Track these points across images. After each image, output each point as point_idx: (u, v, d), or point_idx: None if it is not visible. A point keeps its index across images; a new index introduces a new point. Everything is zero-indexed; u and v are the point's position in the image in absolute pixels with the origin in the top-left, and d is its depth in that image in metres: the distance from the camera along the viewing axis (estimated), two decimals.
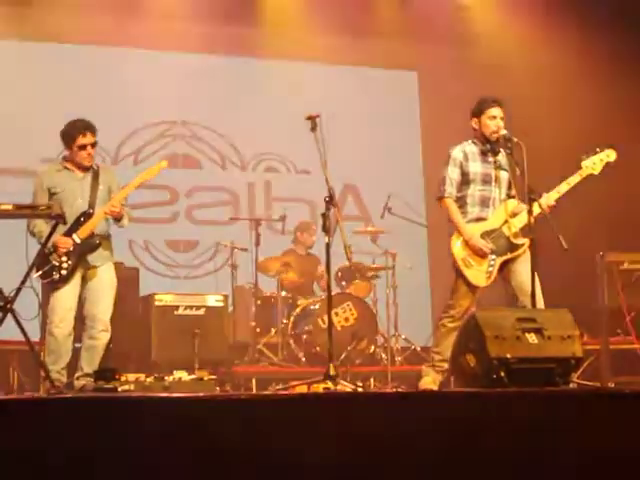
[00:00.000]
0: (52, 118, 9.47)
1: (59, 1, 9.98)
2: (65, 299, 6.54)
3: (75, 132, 6.65)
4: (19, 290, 5.64)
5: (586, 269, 8.36)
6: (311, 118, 6.00)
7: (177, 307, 8.43)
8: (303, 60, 11.20)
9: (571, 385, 5.41)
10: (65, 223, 6.11)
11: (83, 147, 6.65)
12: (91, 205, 6.65)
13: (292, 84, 11.02)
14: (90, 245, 6.58)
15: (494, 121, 6.47)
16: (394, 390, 7.13)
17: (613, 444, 4.04)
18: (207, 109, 10.88)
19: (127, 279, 7.97)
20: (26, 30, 10.18)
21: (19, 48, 10.22)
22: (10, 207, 5.66)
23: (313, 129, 5.96)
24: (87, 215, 6.60)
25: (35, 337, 7.19)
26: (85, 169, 6.74)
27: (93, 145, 6.70)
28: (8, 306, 5.58)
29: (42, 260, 6.44)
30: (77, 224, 6.57)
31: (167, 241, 10.72)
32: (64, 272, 6.50)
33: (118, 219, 6.68)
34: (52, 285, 6.53)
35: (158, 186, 9.90)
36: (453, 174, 6.51)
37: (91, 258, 6.62)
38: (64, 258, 6.50)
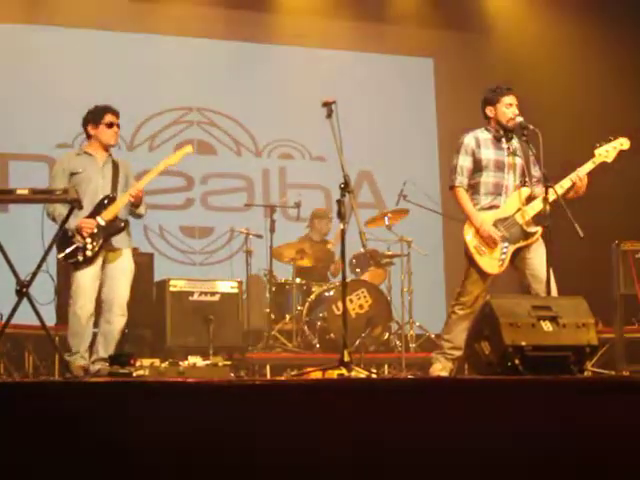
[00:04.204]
0: (67, 104, 9.57)
1: None
2: (89, 281, 6.58)
3: (103, 110, 6.78)
4: (35, 274, 5.65)
5: (601, 257, 8.33)
6: (327, 104, 5.96)
7: (192, 293, 8.45)
8: (319, 46, 11.20)
9: (586, 373, 5.40)
10: (81, 208, 6.12)
11: (111, 125, 6.76)
12: (113, 189, 6.70)
13: (307, 70, 11.02)
14: (116, 227, 6.63)
15: (511, 109, 6.45)
16: (408, 377, 7.14)
17: (628, 432, 4.03)
18: (222, 95, 10.89)
19: (142, 265, 7.98)
20: (42, 15, 10.21)
21: (35, 33, 10.24)
22: (26, 192, 5.65)
23: (329, 115, 5.93)
24: (110, 199, 6.65)
25: (51, 322, 7.22)
26: (107, 150, 6.80)
27: (118, 126, 6.81)
28: (24, 290, 5.59)
29: (65, 242, 6.50)
30: (100, 207, 6.62)
31: (182, 227, 10.74)
32: (89, 253, 6.53)
33: (137, 205, 6.71)
34: (76, 266, 6.55)
35: (173, 172, 9.91)
36: (464, 162, 6.48)
37: (114, 240, 6.66)
38: (88, 239, 6.53)
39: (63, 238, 6.45)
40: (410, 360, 8.48)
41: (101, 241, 6.56)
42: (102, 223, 6.58)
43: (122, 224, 6.67)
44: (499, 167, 6.46)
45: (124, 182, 6.80)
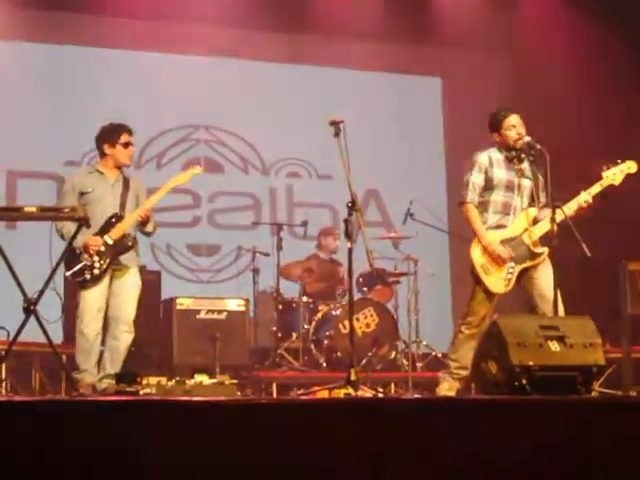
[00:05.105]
0: (75, 121, 9.62)
1: (86, 5, 10.04)
2: (95, 299, 6.57)
3: (121, 129, 6.79)
4: (42, 292, 5.66)
5: (608, 277, 8.32)
6: (335, 123, 5.96)
7: (198, 311, 8.44)
8: (326, 65, 11.22)
9: (593, 393, 5.39)
10: (89, 226, 6.13)
11: (127, 145, 6.78)
12: (122, 208, 6.70)
13: (314, 89, 11.05)
14: (123, 246, 6.63)
15: (514, 129, 6.46)
16: (415, 396, 7.12)
17: (635, 452, 4.02)
18: (229, 113, 10.90)
19: (149, 283, 7.98)
20: (50, 33, 10.26)
21: (42, 51, 10.29)
22: (34, 209, 5.68)
23: (336, 134, 5.93)
24: (118, 217, 6.65)
25: (58, 339, 7.23)
26: (120, 168, 6.81)
27: (133, 145, 6.85)
28: (31, 308, 5.60)
29: (72, 260, 6.50)
30: (108, 225, 6.62)
31: (189, 245, 10.75)
32: (96, 272, 6.53)
33: (145, 224, 6.72)
34: (83, 285, 6.55)
35: (181, 190, 9.88)
36: (477, 179, 6.49)
37: (122, 258, 6.66)
38: (96, 258, 6.53)
39: (71, 256, 6.46)
40: (417, 379, 8.45)
41: (108, 260, 6.56)
42: (110, 242, 6.58)
43: (130, 243, 6.66)
44: (509, 187, 6.47)
45: (134, 200, 6.80)
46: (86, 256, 6.53)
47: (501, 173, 6.48)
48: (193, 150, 10.89)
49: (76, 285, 6.62)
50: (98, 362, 6.63)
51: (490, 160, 6.51)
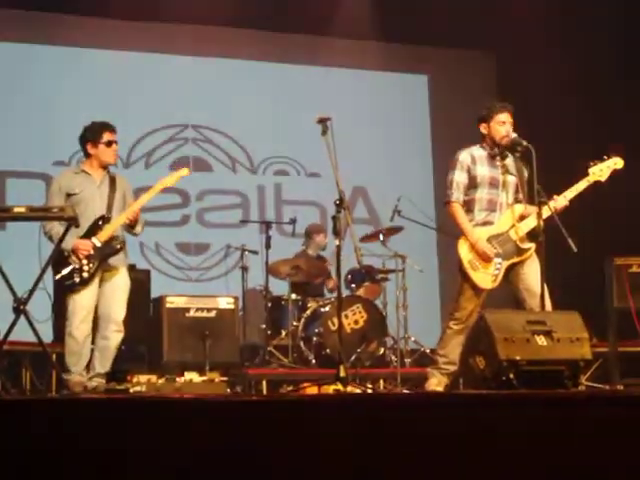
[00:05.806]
0: (64, 122, 9.61)
1: (73, 5, 10.05)
2: (85, 301, 6.54)
3: (102, 128, 6.74)
4: (32, 292, 5.67)
5: (595, 272, 8.37)
6: (322, 121, 5.98)
7: (188, 309, 8.45)
8: (313, 63, 11.25)
9: (580, 387, 5.43)
10: (78, 226, 6.12)
11: (110, 144, 6.73)
12: (109, 209, 6.68)
13: (302, 87, 11.07)
14: (112, 249, 6.59)
15: (504, 126, 6.48)
16: (404, 392, 7.15)
17: (622, 447, 4.05)
18: (217, 112, 10.92)
19: (138, 281, 7.99)
20: (40, 34, 10.26)
21: (32, 51, 10.28)
22: (23, 210, 5.69)
23: (324, 132, 5.95)
24: (105, 219, 6.63)
25: (48, 339, 7.24)
26: (105, 168, 6.79)
27: (116, 143, 6.79)
28: (21, 307, 5.61)
29: (61, 262, 6.47)
30: (95, 227, 6.58)
31: (178, 244, 10.76)
32: (85, 275, 6.49)
33: (133, 225, 6.72)
34: (72, 288, 6.51)
35: (169, 189, 9.90)
36: (460, 178, 6.52)
37: (111, 259, 6.64)
38: (85, 261, 6.50)
39: (59, 259, 6.42)
40: (405, 375, 8.47)
41: (97, 262, 6.53)
42: (98, 244, 6.54)
43: (118, 246, 6.62)
44: (493, 184, 6.50)
45: (121, 199, 6.78)
46: (74, 259, 6.51)
47: (484, 170, 6.51)
48: (181, 149, 10.90)
49: (65, 288, 6.61)
50: (87, 363, 6.62)
51: (472, 158, 6.54)
